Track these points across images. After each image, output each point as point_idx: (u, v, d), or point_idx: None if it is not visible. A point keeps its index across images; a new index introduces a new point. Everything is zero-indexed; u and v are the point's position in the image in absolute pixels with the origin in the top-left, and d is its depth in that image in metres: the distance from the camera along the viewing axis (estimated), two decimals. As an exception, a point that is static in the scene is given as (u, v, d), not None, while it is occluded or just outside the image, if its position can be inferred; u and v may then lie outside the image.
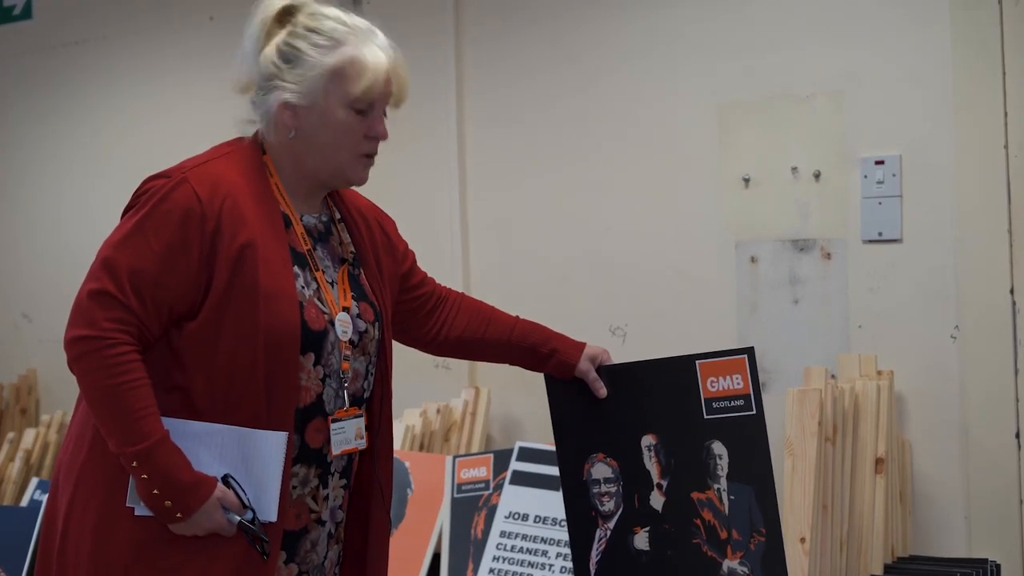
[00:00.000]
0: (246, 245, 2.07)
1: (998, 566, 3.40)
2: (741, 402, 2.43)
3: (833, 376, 3.55)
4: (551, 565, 3.42)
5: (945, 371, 3.53)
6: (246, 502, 2.08)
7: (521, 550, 3.48)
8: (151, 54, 5.21)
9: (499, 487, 3.62)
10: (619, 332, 4.07)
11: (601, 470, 2.55)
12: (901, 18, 3.60)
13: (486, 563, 3.51)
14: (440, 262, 4.40)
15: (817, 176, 3.72)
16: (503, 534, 3.53)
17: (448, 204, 4.40)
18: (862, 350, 3.61)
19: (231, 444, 2.07)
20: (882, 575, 3.29)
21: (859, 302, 3.66)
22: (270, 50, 2.15)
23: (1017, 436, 3.46)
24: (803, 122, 3.74)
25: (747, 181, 3.83)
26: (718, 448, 2.45)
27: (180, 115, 5.14)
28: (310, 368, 2.13)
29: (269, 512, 2.08)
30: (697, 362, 2.47)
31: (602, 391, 2.54)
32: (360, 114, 2.15)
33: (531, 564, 3.45)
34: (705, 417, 2.46)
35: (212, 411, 2.06)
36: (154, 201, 2.08)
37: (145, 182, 2.16)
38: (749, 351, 2.44)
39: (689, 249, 3.96)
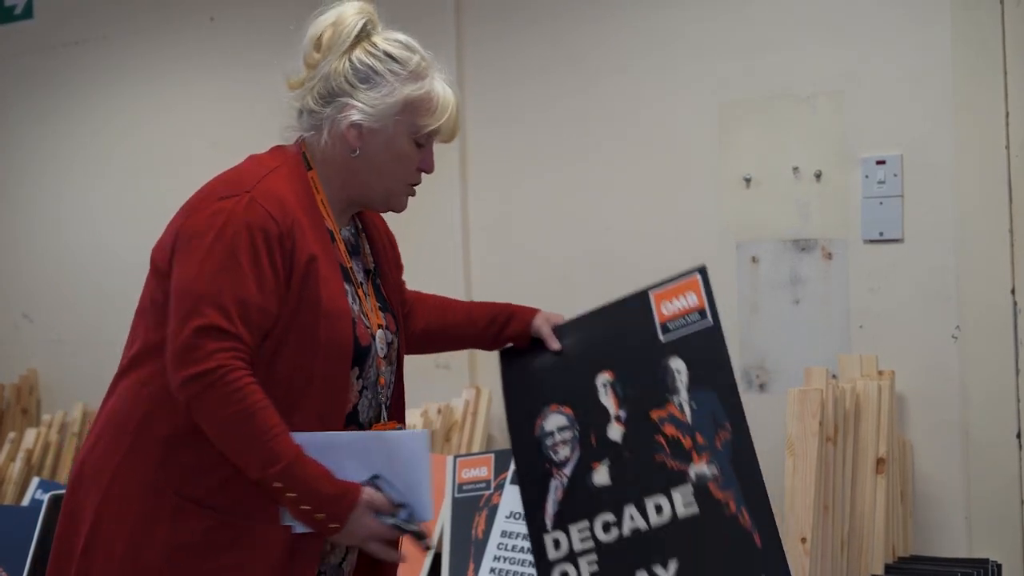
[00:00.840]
0: (310, 262, 2.10)
1: (999, 566, 3.39)
2: (697, 316, 2.41)
3: (834, 376, 3.55)
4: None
5: (946, 371, 3.53)
6: (397, 501, 2.07)
7: (522, 550, 3.48)
8: (152, 54, 5.21)
9: (500, 487, 3.62)
10: (620, 332, 4.07)
11: (554, 420, 2.48)
12: (902, 18, 3.60)
13: (487, 563, 3.50)
14: (441, 262, 4.40)
15: (818, 176, 3.71)
16: (504, 534, 3.53)
17: (449, 204, 4.40)
18: (863, 350, 3.61)
19: (374, 449, 2.07)
20: (883, 575, 3.29)
21: (860, 302, 3.66)
22: (343, 65, 2.16)
23: (1018, 436, 3.46)
24: (804, 122, 3.74)
25: (748, 181, 3.83)
26: (676, 364, 2.40)
27: (180, 115, 5.14)
28: (353, 381, 2.18)
29: (425, 510, 2.09)
30: (650, 292, 2.45)
31: (555, 344, 2.53)
32: (418, 146, 2.21)
33: (532, 564, 3.45)
34: (661, 339, 2.41)
35: None
36: (233, 224, 2.05)
37: (206, 200, 2.11)
38: (701, 268, 2.44)
39: (690, 249, 3.95)
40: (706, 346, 2.38)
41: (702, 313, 2.41)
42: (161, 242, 2.16)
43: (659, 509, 2.34)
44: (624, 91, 4.08)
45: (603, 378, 2.46)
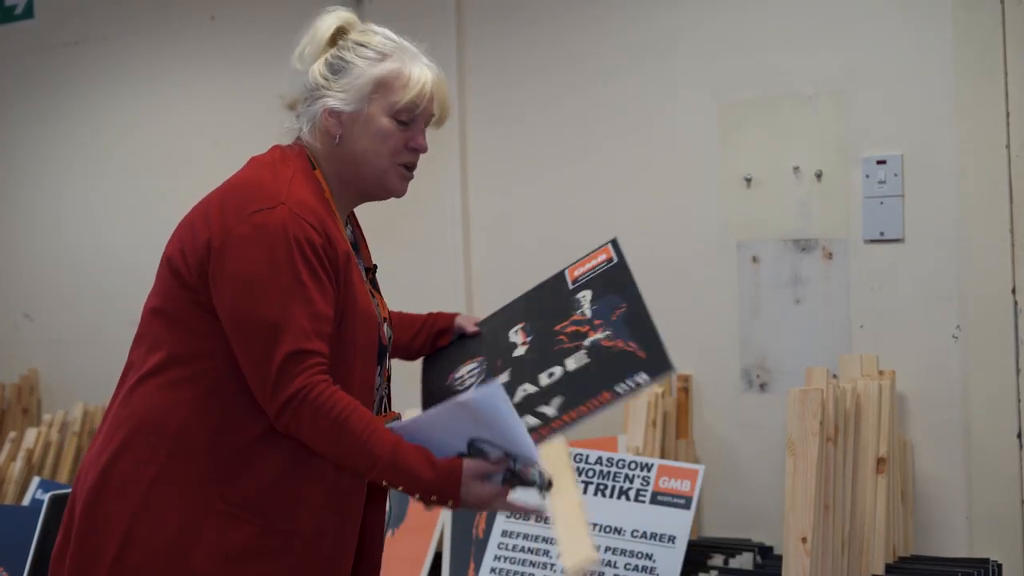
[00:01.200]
0: (346, 267, 2.13)
1: (999, 566, 3.40)
2: (605, 263, 2.48)
3: (835, 376, 3.55)
4: (552, 565, 3.42)
5: (947, 371, 3.53)
6: (500, 456, 2.08)
7: (522, 550, 3.48)
8: (152, 54, 5.21)
9: (500, 487, 3.62)
10: (620, 332, 4.07)
11: (464, 369, 2.50)
12: (903, 18, 3.60)
13: (487, 563, 3.51)
14: (441, 261, 4.40)
15: (819, 176, 3.71)
16: (504, 534, 3.53)
17: (449, 203, 4.40)
18: (864, 350, 3.61)
19: (460, 416, 2.07)
20: (883, 575, 3.29)
21: (861, 302, 3.66)
22: (318, 65, 2.22)
23: (1019, 436, 3.46)
24: (805, 122, 3.74)
25: (749, 181, 3.83)
26: (583, 294, 2.46)
27: (181, 115, 5.14)
28: (377, 379, 2.25)
29: (531, 453, 2.09)
30: (565, 269, 2.54)
31: (473, 328, 2.59)
32: (402, 125, 2.22)
33: (532, 564, 3.45)
34: (570, 287, 2.49)
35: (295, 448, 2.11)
36: (281, 240, 2.05)
37: (239, 213, 2.09)
38: (613, 240, 2.50)
39: (690, 249, 3.95)
40: (612, 275, 2.46)
41: (609, 260, 2.47)
42: (183, 249, 2.13)
43: (551, 375, 2.36)
44: (625, 91, 4.08)
45: (515, 328, 2.52)
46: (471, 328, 2.60)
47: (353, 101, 2.19)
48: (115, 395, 2.22)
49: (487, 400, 2.05)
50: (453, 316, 2.63)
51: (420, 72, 2.23)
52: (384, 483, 2.06)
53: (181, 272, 2.12)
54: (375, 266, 2.40)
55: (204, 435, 2.08)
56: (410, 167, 2.27)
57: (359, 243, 2.39)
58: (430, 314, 2.63)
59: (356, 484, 2.22)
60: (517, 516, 2.13)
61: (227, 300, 2.06)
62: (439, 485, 2.05)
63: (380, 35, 2.25)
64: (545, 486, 2.10)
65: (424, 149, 2.27)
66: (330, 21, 2.24)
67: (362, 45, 2.22)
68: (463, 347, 2.58)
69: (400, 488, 2.06)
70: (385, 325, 2.30)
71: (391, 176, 2.25)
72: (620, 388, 2.28)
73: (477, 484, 2.07)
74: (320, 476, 2.15)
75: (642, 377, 2.28)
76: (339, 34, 2.24)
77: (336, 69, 2.20)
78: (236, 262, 2.05)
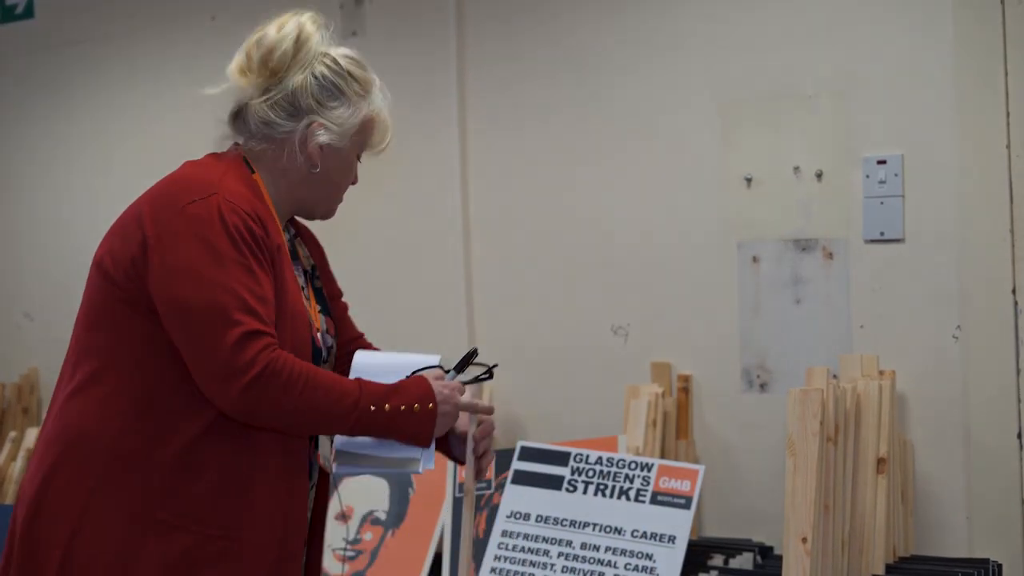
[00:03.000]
0: (275, 263, 2.12)
1: (1000, 566, 3.39)
2: None
3: (835, 376, 3.55)
4: (553, 565, 3.42)
5: (947, 371, 3.53)
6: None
7: (523, 549, 3.48)
8: (152, 54, 5.21)
9: (501, 487, 3.62)
10: (620, 332, 4.07)
11: None
12: (904, 18, 3.60)
13: (488, 563, 3.50)
14: (442, 262, 4.40)
15: (819, 176, 3.71)
16: (505, 534, 3.53)
17: (450, 204, 4.39)
18: (864, 350, 3.61)
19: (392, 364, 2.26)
20: (884, 575, 3.29)
21: (861, 302, 3.66)
22: (308, 80, 2.19)
23: (1019, 436, 3.46)
24: (805, 122, 3.74)
25: (749, 181, 3.83)
26: None
27: (181, 115, 5.12)
28: None
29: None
30: None
31: None
32: (357, 159, 2.30)
33: (533, 564, 3.45)
34: None
35: (238, 448, 2.11)
36: (215, 227, 2.05)
37: (170, 206, 2.11)
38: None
39: (691, 249, 3.95)
40: None
41: None
42: (111, 251, 2.11)
43: None
44: (625, 90, 4.07)
45: None
46: None
47: (342, 138, 2.22)
48: (50, 408, 2.18)
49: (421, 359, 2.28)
50: None
51: (387, 114, 2.28)
52: (361, 423, 2.07)
53: (110, 273, 2.11)
54: (313, 267, 2.39)
55: (139, 445, 2.05)
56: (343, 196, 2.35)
57: (302, 248, 2.38)
58: None
59: (299, 483, 2.18)
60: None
61: (168, 292, 2.03)
62: (414, 391, 2.13)
63: (361, 67, 2.25)
64: (486, 375, 2.32)
65: (357, 182, 2.36)
66: (316, 29, 2.22)
67: (353, 78, 2.22)
68: None
69: (387, 407, 2.08)
70: (321, 334, 2.27)
71: (335, 205, 2.32)
72: None
73: (439, 383, 2.18)
74: (261, 479, 2.11)
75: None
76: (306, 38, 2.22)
77: (330, 96, 2.20)
78: (175, 253, 2.04)
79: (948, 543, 3.52)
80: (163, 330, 2.07)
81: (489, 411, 2.33)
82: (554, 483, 3.50)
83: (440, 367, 2.26)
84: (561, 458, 3.56)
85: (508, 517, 3.51)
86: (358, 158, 2.29)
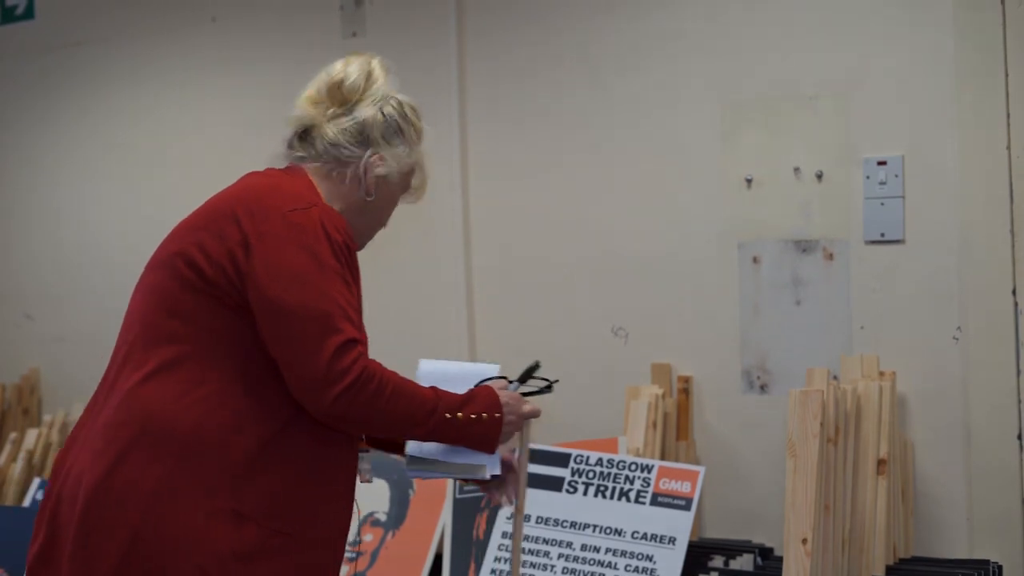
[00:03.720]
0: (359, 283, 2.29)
1: (1000, 567, 3.39)
2: None
3: (835, 377, 3.55)
4: (552, 566, 3.42)
5: (947, 372, 3.53)
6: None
7: (523, 551, 3.48)
8: (153, 54, 5.21)
9: (501, 488, 3.62)
10: (621, 332, 4.07)
11: None
12: (904, 19, 3.60)
13: (488, 564, 3.51)
14: (442, 262, 4.40)
15: (819, 177, 3.71)
16: (505, 535, 3.53)
17: (450, 204, 4.39)
18: (864, 351, 3.61)
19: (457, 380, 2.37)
20: (884, 576, 3.30)
21: (861, 303, 3.66)
22: (378, 116, 2.36)
23: (1019, 437, 3.46)
24: (806, 123, 3.74)
25: (749, 182, 3.83)
26: None
27: (182, 115, 5.14)
28: None
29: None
30: None
31: None
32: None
33: (532, 565, 3.45)
34: None
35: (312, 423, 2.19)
36: (319, 238, 2.16)
37: (273, 213, 2.18)
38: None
39: (691, 249, 3.95)
40: None
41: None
42: (202, 248, 2.17)
43: None
44: (626, 91, 4.07)
45: None
46: None
47: (395, 175, 2.38)
48: (106, 394, 2.21)
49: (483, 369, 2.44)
50: None
51: (429, 165, 2.48)
52: (437, 430, 2.22)
53: (203, 270, 2.15)
54: None
55: (216, 436, 2.10)
56: None
57: None
58: None
59: (352, 489, 2.29)
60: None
61: (270, 292, 2.11)
62: (483, 401, 2.28)
63: (418, 114, 2.45)
64: (546, 389, 2.47)
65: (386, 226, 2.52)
66: (384, 71, 2.41)
67: (411, 123, 2.41)
68: None
69: (460, 415, 2.23)
70: None
71: (367, 240, 2.45)
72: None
73: (504, 392, 2.33)
74: (328, 480, 2.21)
75: None
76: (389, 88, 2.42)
77: (394, 134, 2.37)
78: (279, 257, 2.13)
79: (948, 544, 3.52)
80: (250, 327, 2.14)
81: (539, 415, 2.45)
82: (554, 484, 3.50)
83: (504, 378, 2.41)
84: (561, 459, 3.56)
85: (509, 518, 3.51)
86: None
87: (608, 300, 4.10)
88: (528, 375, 2.49)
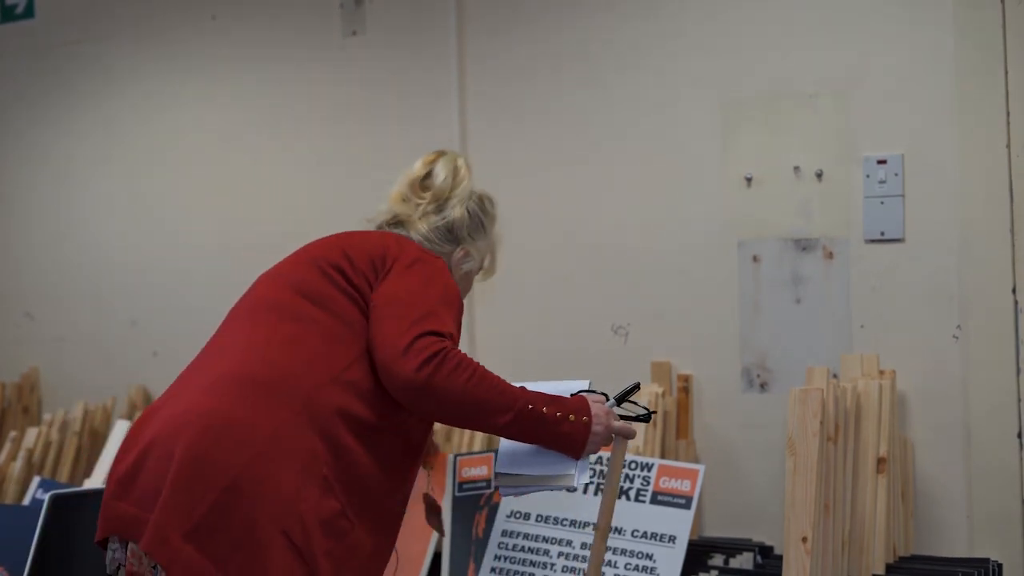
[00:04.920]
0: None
1: (1000, 566, 3.40)
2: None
3: (835, 376, 3.55)
4: (552, 564, 3.42)
5: (947, 371, 3.53)
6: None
7: (523, 549, 3.48)
8: (153, 53, 5.21)
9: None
10: (621, 331, 4.07)
11: None
12: (904, 17, 3.60)
13: (487, 562, 3.51)
14: (442, 261, 4.40)
15: (819, 175, 3.71)
16: (505, 533, 3.53)
17: (450, 203, 4.39)
18: (864, 349, 3.61)
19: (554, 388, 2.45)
20: (884, 575, 3.29)
21: (861, 302, 3.66)
22: (463, 214, 2.66)
23: (1019, 436, 3.46)
24: (806, 121, 3.74)
25: (749, 180, 3.83)
26: None
27: (182, 113, 5.14)
28: None
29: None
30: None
31: None
32: None
33: (532, 563, 3.45)
34: None
35: (405, 449, 2.39)
36: (446, 275, 2.47)
37: (415, 251, 2.49)
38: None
39: (691, 248, 3.95)
40: None
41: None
42: (348, 257, 2.42)
43: None
44: (626, 89, 4.07)
45: None
46: None
47: (475, 263, 2.70)
48: (218, 355, 2.35)
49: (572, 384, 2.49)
50: None
51: (502, 245, 2.81)
52: (517, 422, 2.29)
53: (346, 272, 2.39)
54: None
55: (329, 406, 2.25)
56: None
57: None
58: None
59: (404, 505, 2.48)
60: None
61: (395, 282, 2.36)
62: (571, 404, 2.36)
63: (495, 206, 2.76)
64: (644, 417, 2.50)
65: None
66: (468, 171, 2.70)
67: (490, 216, 2.72)
68: None
69: (545, 410, 2.30)
70: None
71: None
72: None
73: (597, 404, 2.41)
74: (402, 480, 2.41)
75: None
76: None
77: (476, 229, 2.68)
78: (410, 267, 2.40)
79: (948, 543, 3.53)
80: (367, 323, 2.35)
81: (633, 435, 2.53)
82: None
83: (604, 394, 2.49)
84: None
85: (508, 517, 3.51)
86: None
87: (608, 299, 4.10)
88: (626, 396, 2.51)
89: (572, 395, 2.42)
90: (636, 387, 2.53)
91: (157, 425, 2.27)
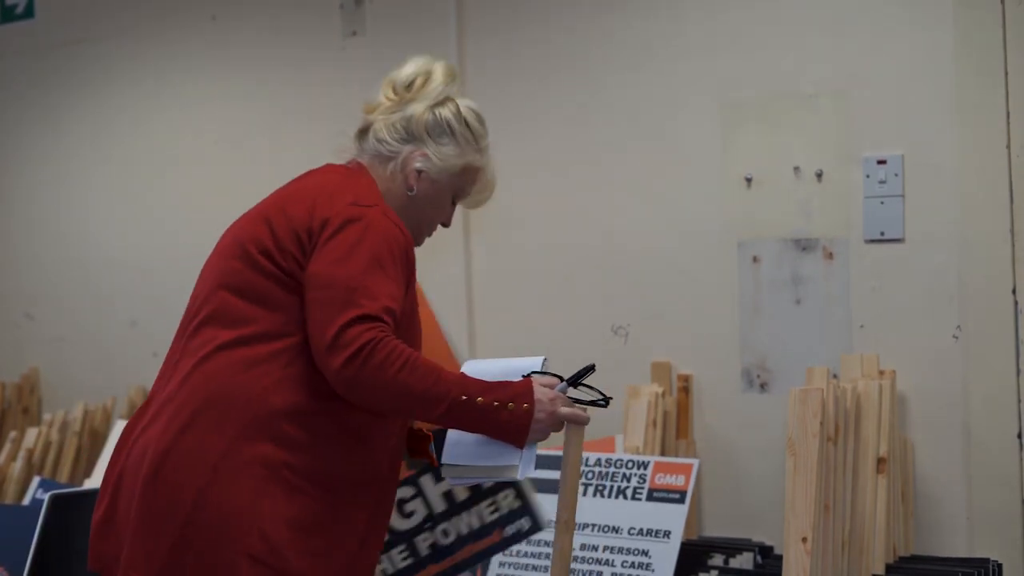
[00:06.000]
0: (413, 278, 2.31)
1: (1000, 566, 3.39)
2: None
3: (835, 376, 3.55)
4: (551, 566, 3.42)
5: (947, 371, 3.53)
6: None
7: (523, 553, 3.48)
8: (153, 53, 5.21)
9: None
10: (621, 332, 4.07)
11: None
12: (904, 18, 3.60)
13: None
14: (442, 262, 4.40)
15: (819, 175, 3.71)
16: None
17: (450, 203, 4.39)
18: (864, 350, 3.61)
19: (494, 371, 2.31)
20: (884, 575, 3.29)
21: (861, 302, 3.66)
22: (427, 115, 2.39)
23: (1019, 436, 3.46)
24: (806, 121, 3.74)
25: (749, 181, 3.83)
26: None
27: (182, 113, 5.14)
28: None
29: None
30: None
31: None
32: (452, 203, 2.48)
33: (533, 568, 3.45)
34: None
35: (365, 423, 2.26)
36: (375, 231, 2.22)
37: (339, 201, 2.26)
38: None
39: (691, 248, 3.95)
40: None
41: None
42: (272, 233, 2.25)
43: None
44: (626, 90, 4.07)
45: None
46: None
47: (440, 172, 2.40)
48: (171, 371, 2.29)
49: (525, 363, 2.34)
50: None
51: (494, 177, 2.49)
52: (452, 413, 2.16)
53: (271, 252, 2.24)
54: None
55: (278, 409, 2.18)
56: (433, 232, 2.52)
57: None
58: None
59: (394, 475, 2.34)
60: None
61: (316, 267, 2.19)
62: (516, 388, 2.21)
63: (481, 122, 2.45)
64: (599, 402, 2.33)
65: (449, 226, 2.54)
66: (447, 75, 2.43)
67: (468, 126, 2.42)
68: None
69: (480, 400, 2.16)
70: None
71: (423, 236, 2.48)
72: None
73: (545, 389, 2.25)
74: (377, 459, 2.28)
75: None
76: (449, 92, 2.43)
77: (441, 133, 2.40)
78: (333, 237, 2.20)
79: (948, 543, 3.52)
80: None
81: (584, 421, 2.35)
82: (553, 487, 3.49)
83: (558, 376, 2.32)
84: (559, 462, 3.55)
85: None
86: (454, 203, 2.47)
87: (608, 299, 4.10)
88: (579, 378, 2.34)
89: (524, 376, 2.28)
90: (591, 369, 2.36)
91: (124, 457, 2.27)
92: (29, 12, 5.59)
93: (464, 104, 2.43)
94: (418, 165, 2.37)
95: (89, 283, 5.37)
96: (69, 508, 3.05)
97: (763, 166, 3.81)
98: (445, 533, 2.73)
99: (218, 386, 2.20)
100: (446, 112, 2.40)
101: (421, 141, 2.38)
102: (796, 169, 3.75)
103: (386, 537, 2.44)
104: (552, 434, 2.31)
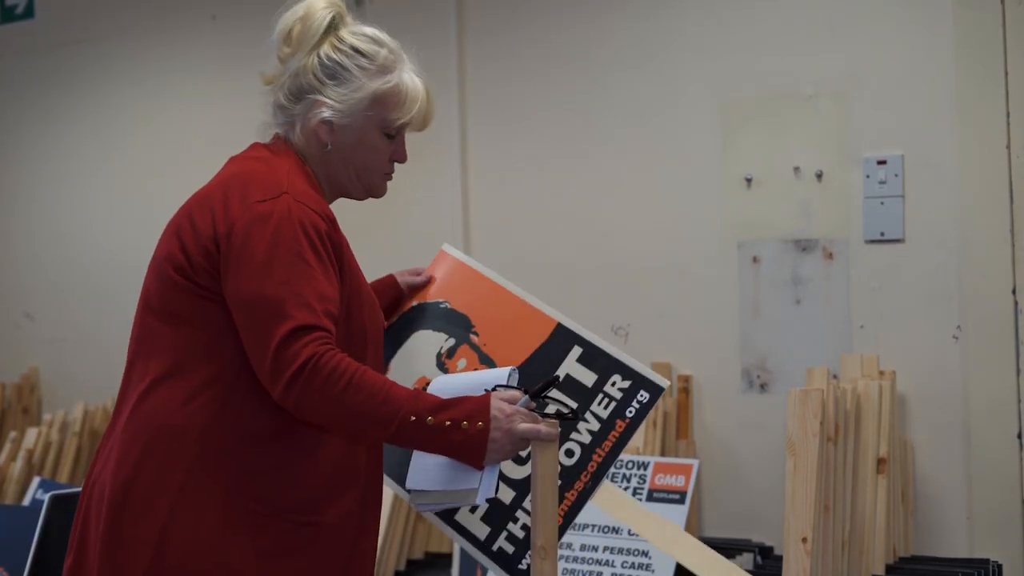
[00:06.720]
0: (346, 254, 2.13)
1: (1000, 566, 3.39)
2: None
3: (835, 376, 3.55)
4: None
5: (947, 371, 3.53)
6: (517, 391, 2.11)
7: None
8: (153, 53, 5.21)
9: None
10: (621, 332, 4.07)
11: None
12: (904, 18, 3.60)
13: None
14: (442, 262, 4.40)
15: (819, 176, 3.71)
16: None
17: (450, 204, 4.40)
18: (864, 350, 3.61)
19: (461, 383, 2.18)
20: (884, 575, 3.29)
21: (861, 302, 3.66)
22: (311, 61, 2.18)
23: (1019, 436, 3.46)
24: (806, 122, 3.74)
25: (749, 181, 3.83)
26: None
27: (182, 114, 5.14)
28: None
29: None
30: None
31: (426, 275, 2.76)
32: (388, 137, 2.23)
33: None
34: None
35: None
36: (286, 226, 2.04)
37: (241, 204, 2.08)
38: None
39: (691, 249, 3.95)
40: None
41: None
42: (183, 247, 2.11)
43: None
44: (626, 90, 4.07)
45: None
46: (420, 279, 2.72)
47: (348, 114, 2.17)
48: (119, 407, 2.18)
49: (493, 376, 2.17)
50: (394, 280, 2.62)
51: (415, 88, 2.22)
52: (402, 434, 1.99)
53: (184, 269, 2.09)
54: None
55: (227, 437, 2.05)
56: (390, 173, 2.29)
57: None
58: (378, 281, 2.57)
59: (376, 467, 2.20)
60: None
61: (232, 284, 2.03)
62: (471, 405, 2.03)
63: (375, 41, 2.21)
64: (564, 416, 2.13)
65: (405, 160, 2.28)
66: (323, 9, 2.20)
67: (360, 53, 2.18)
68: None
69: (431, 420, 1.99)
70: None
71: (377, 185, 2.28)
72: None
73: (504, 404, 2.06)
74: (348, 469, 2.13)
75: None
76: (332, 26, 2.20)
77: (332, 75, 2.17)
78: (243, 250, 2.03)
79: (948, 543, 3.53)
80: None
81: (549, 438, 2.10)
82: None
83: (522, 390, 2.13)
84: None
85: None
86: (390, 136, 2.23)
87: (608, 299, 4.10)
88: (541, 391, 2.13)
89: (486, 391, 2.10)
90: (555, 381, 2.16)
91: (87, 499, 2.16)
92: (29, 12, 5.59)
93: (348, 31, 2.20)
94: (324, 115, 2.15)
95: (89, 283, 5.37)
96: (69, 508, 3.05)
97: (763, 166, 3.81)
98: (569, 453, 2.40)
99: (161, 425, 2.06)
100: (327, 49, 2.17)
101: (316, 91, 2.16)
102: (796, 169, 3.75)
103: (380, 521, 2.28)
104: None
